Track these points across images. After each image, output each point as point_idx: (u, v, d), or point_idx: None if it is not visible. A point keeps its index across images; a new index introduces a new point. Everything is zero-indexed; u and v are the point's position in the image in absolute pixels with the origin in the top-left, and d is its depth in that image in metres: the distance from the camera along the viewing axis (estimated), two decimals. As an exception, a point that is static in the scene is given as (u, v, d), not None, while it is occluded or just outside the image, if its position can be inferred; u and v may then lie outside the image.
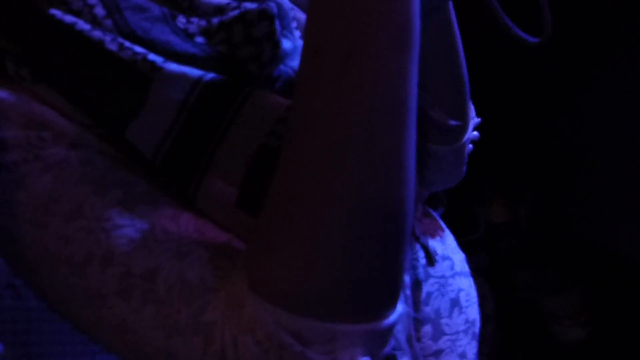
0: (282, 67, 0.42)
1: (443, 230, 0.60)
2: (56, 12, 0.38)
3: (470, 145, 0.66)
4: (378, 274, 0.32)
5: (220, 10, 0.42)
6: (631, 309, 1.18)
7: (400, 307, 0.34)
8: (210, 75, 0.38)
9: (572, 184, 1.25)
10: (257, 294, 0.31)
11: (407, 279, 0.48)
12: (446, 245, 0.57)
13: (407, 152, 0.31)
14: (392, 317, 0.33)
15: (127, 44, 0.37)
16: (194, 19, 0.42)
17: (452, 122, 0.58)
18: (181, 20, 0.41)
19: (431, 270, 0.52)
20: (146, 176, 0.38)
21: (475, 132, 0.66)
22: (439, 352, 0.49)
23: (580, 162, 1.23)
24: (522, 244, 1.28)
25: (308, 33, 0.32)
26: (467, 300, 0.55)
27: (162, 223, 0.36)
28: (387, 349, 0.33)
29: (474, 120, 0.64)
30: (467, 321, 0.53)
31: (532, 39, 0.49)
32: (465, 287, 0.56)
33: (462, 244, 0.65)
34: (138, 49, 0.37)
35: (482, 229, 1.29)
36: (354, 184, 0.30)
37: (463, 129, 0.60)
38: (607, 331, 1.23)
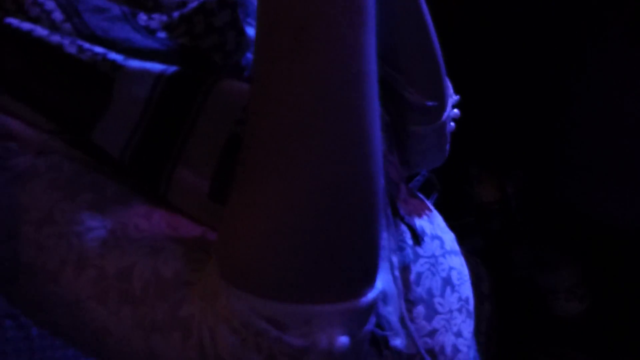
0: (249, 55, 0.42)
1: (430, 210, 0.60)
2: (12, 21, 0.37)
3: (452, 124, 0.66)
4: (350, 252, 0.31)
5: (182, 4, 0.42)
6: (628, 279, 1.19)
7: (380, 285, 0.33)
8: (172, 69, 0.38)
9: (561, 157, 1.25)
10: (230, 282, 0.31)
11: (395, 260, 0.48)
12: (435, 225, 0.57)
13: (371, 125, 0.31)
14: (371, 295, 0.32)
15: (87, 45, 0.37)
16: (155, 15, 0.41)
17: (428, 102, 0.58)
18: (142, 17, 0.41)
19: (420, 251, 0.51)
20: (116, 177, 0.38)
21: (456, 110, 0.66)
22: (433, 332, 0.48)
23: (568, 135, 1.24)
24: (514, 222, 1.28)
25: (259, 12, 0.31)
26: (459, 279, 0.54)
27: (134, 222, 0.36)
28: (368, 328, 0.33)
29: (452, 98, 0.63)
30: (460, 299, 0.52)
31: None
32: (457, 265, 0.56)
33: (456, 227, 0.64)
34: (97, 49, 0.37)
35: (474, 210, 1.29)
36: (316, 161, 0.30)
37: (441, 107, 0.60)
38: (606, 303, 1.23)
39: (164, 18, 0.41)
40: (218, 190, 0.37)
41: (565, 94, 1.20)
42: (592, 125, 1.18)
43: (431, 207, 0.62)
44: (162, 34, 0.40)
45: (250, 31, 0.42)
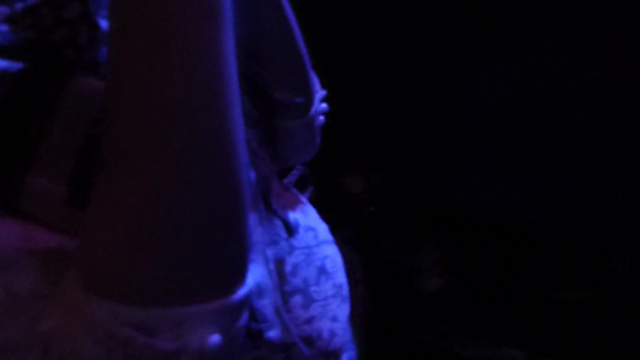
0: (104, 50, 0.40)
1: (303, 203, 0.61)
2: None
3: (322, 117, 0.68)
4: (216, 250, 0.31)
5: None
6: (480, 255, 1.33)
7: (251, 281, 0.34)
8: (18, 66, 0.34)
9: (420, 147, 1.36)
10: (91, 291, 0.29)
11: (269, 253, 0.48)
12: (308, 217, 0.59)
13: (231, 121, 0.31)
14: (241, 292, 0.33)
15: None
16: None
17: (297, 99, 0.59)
18: None
19: (295, 242, 0.52)
20: None
21: (324, 104, 0.68)
22: (310, 319, 0.50)
23: (425, 126, 1.34)
24: (381, 210, 1.36)
25: (111, 9, 0.30)
26: (333, 267, 0.57)
27: None
28: (241, 323, 0.33)
29: (319, 93, 0.65)
30: (334, 286, 0.55)
31: None
32: (331, 254, 0.58)
33: (328, 218, 0.66)
34: None
35: (345, 202, 1.35)
36: (173, 160, 0.29)
37: (308, 103, 0.61)
38: (462, 277, 1.37)
39: (5, 10, 0.37)
40: (76, 195, 0.35)
41: (423, 87, 1.30)
42: (446, 117, 1.30)
43: (304, 200, 0.64)
44: (3, 27, 0.36)
45: (104, 24, 0.40)
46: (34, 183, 0.34)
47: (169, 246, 0.29)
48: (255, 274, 0.36)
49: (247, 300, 0.33)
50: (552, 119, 1.17)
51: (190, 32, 0.29)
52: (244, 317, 0.34)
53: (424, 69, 1.26)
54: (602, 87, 1.16)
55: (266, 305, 0.45)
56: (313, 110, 0.63)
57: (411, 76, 1.28)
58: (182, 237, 0.30)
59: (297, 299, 0.49)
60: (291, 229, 0.52)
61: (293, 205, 0.58)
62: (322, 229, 0.60)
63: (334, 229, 0.64)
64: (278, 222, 0.52)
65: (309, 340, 0.49)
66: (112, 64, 0.31)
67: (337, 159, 1.37)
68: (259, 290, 0.45)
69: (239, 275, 0.33)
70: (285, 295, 0.48)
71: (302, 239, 0.54)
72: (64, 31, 0.37)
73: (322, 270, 0.54)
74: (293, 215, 0.55)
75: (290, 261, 0.50)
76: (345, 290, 0.58)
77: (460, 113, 1.27)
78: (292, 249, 0.51)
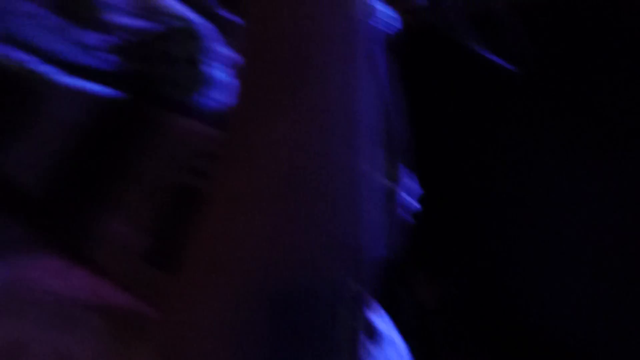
0: (200, 95, 0.37)
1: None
2: None
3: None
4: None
5: (136, 30, 0.37)
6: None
7: None
8: (113, 92, 0.31)
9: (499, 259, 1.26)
10: None
11: None
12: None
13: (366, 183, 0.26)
14: None
15: (7, 48, 0.30)
16: (98, 34, 0.36)
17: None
18: (81, 32, 0.35)
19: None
20: (22, 217, 0.30)
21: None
22: None
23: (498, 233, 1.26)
24: (452, 325, 1.24)
25: (252, 35, 0.27)
26: None
27: (41, 279, 0.27)
28: None
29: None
30: None
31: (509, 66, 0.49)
32: None
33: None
34: (22, 55, 0.30)
35: (409, 312, 1.24)
36: (310, 223, 0.24)
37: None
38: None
39: (109, 37, 0.35)
40: (156, 250, 0.30)
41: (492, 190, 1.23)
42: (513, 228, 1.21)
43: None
44: (103, 53, 0.34)
45: (205, 68, 0.37)
46: (111, 228, 0.30)
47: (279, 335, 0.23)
48: None
49: None
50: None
51: (342, 70, 0.26)
52: None
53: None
54: None
55: None
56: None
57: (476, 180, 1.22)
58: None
59: None
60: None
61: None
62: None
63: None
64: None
65: None
66: (243, 99, 0.28)
67: (404, 263, 1.29)
68: None
69: None
70: None
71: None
72: (168, 66, 0.34)
73: None
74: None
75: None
76: None
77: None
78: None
